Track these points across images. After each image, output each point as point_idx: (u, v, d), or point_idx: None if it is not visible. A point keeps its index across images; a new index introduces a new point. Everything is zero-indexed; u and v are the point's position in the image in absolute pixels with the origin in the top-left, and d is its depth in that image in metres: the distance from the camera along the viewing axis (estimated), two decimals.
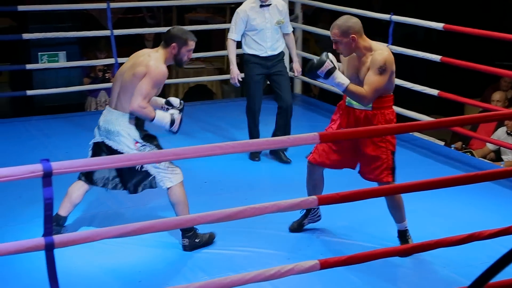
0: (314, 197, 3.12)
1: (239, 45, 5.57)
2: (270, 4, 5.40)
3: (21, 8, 6.65)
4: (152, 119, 3.98)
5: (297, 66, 5.65)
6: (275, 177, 5.41)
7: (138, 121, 4.05)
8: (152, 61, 3.95)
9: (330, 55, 3.81)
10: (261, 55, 5.45)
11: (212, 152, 2.89)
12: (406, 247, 3.60)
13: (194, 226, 4.10)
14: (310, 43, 8.92)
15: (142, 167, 4.02)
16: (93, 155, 4.14)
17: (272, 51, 5.46)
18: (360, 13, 6.77)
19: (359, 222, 4.45)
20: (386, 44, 5.43)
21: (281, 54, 5.54)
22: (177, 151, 2.96)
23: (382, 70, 3.75)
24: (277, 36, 5.46)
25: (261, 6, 5.37)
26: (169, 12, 9.59)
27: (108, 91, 7.25)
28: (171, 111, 4.09)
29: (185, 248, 4.10)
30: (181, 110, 4.13)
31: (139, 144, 4.03)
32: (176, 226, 3.09)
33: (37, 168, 2.49)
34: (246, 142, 2.97)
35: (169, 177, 4.02)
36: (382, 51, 3.79)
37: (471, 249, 3.59)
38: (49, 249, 2.59)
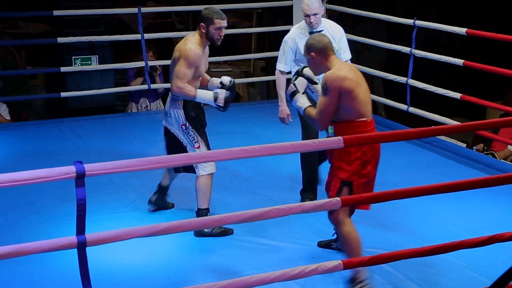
0: (338, 198, 3.19)
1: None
2: (322, 30, 4.65)
3: (56, 13, 6.85)
4: (194, 97, 4.24)
5: None
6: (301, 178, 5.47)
7: (186, 104, 4.30)
8: (186, 45, 4.24)
9: (298, 80, 3.81)
10: None
11: (239, 155, 2.98)
12: (428, 248, 3.65)
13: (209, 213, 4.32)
14: None
15: (187, 150, 4.33)
16: (164, 135, 4.49)
17: None
18: (383, 17, 6.84)
19: (382, 224, 4.51)
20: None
21: None
22: (204, 155, 3.08)
23: (324, 90, 3.62)
24: None
25: (311, 33, 4.62)
26: (197, 16, 9.72)
27: (148, 95, 7.44)
28: (217, 90, 4.32)
29: (195, 233, 4.32)
30: (230, 88, 4.36)
31: (184, 127, 4.32)
32: (202, 226, 3.20)
33: (70, 170, 2.61)
34: (272, 146, 3.05)
35: (203, 166, 4.28)
36: (329, 72, 3.64)
37: (493, 249, 3.62)
38: (81, 247, 2.72)
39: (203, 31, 4.26)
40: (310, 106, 3.74)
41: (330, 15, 7.98)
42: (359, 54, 8.18)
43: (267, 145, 3.00)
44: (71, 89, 7.16)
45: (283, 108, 4.76)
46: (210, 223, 3.12)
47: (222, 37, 4.30)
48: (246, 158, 2.99)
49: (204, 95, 4.27)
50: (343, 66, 3.70)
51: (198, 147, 4.31)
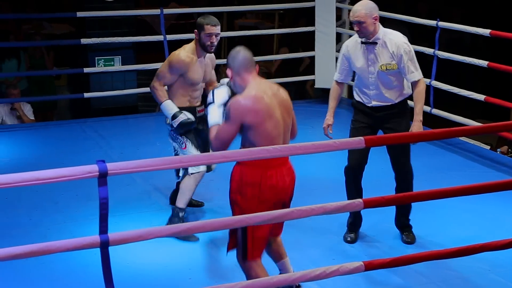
0: (360, 200, 3.17)
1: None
2: (376, 43, 4.12)
3: (80, 14, 6.91)
4: (160, 103, 4.25)
5: (417, 128, 4.07)
6: (323, 178, 5.44)
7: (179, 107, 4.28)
8: (177, 50, 4.28)
9: (219, 90, 3.40)
10: (366, 104, 4.23)
11: (260, 155, 2.96)
12: (451, 251, 3.62)
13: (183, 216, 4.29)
14: None
15: (177, 153, 4.35)
16: None
17: (379, 102, 4.18)
18: (406, 18, 6.81)
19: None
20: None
21: (397, 106, 4.20)
22: (226, 154, 3.07)
23: (226, 116, 3.22)
24: (389, 83, 4.15)
25: (363, 43, 4.16)
26: (219, 18, 9.73)
27: None
28: (183, 112, 4.22)
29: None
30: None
31: (172, 132, 4.33)
32: (225, 227, 3.19)
33: (93, 168, 2.62)
34: (293, 146, 3.04)
35: (192, 167, 4.24)
36: (235, 98, 3.23)
37: None
38: (104, 247, 2.72)
39: (197, 38, 4.26)
40: (216, 125, 3.30)
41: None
42: None
43: (288, 145, 3.00)
44: (94, 90, 7.22)
45: (327, 117, 4.29)
46: (232, 223, 3.11)
47: (214, 44, 4.24)
48: (267, 158, 2.98)
49: (167, 109, 4.22)
50: (256, 91, 3.23)
51: (185, 148, 4.29)
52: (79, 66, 7.29)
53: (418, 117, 4.09)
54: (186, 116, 4.22)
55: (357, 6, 4.12)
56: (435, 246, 4.07)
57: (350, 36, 7.49)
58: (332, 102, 4.29)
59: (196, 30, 4.27)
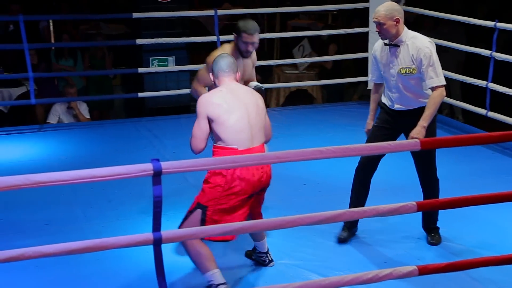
0: (413, 202, 3.13)
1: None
2: (399, 46, 4.03)
3: (135, 15, 7.03)
4: None
5: (416, 132, 3.94)
6: (373, 180, 5.39)
7: None
8: (215, 51, 4.21)
9: None
10: (389, 107, 4.17)
11: (313, 156, 2.97)
12: (507, 257, 3.53)
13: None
14: None
15: None
16: None
17: (401, 106, 4.11)
18: (463, 19, 6.69)
19: (456, 231, 4.41)
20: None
21: (420, 111, 4.02)
22: (279, 155, 3.07)
23: (197, 114, 3.51)
24: (410, 87, 4.05)
25: (385, 44, 4.10)
26: (272, 19, 9.78)
27: None
28: None
29: None
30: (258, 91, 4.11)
31: None
32: (276, 227, 3.19)
33: (148, 167, 2.66)
34: (347, 147, 3.02)
35: None
36: (201, 95, 3.58)
37: None
38: (157, 244, 2.76)
39: (235, 41, 4.16)
40: None
41: (408, 17, 7.86)
42: None
43: (341, 146, 2.98)
44: (148, 90, 7.33)
45: (367, 121, 4.33)
46: (284, 224, 3.11)
47: (250, 51, 4.15)
48: (320, 159, 2.98)
49: None
50: (223, 89, 3.54)
51: None
52: (133, 66, 7.41)
53: (422, 122, 3.95)
54: None
55: (378, 7, 4.05)
56: (490, 252, 3.98)
57: None
58: (371, 105, 4.35)
59: (235, 34, 4.14)
